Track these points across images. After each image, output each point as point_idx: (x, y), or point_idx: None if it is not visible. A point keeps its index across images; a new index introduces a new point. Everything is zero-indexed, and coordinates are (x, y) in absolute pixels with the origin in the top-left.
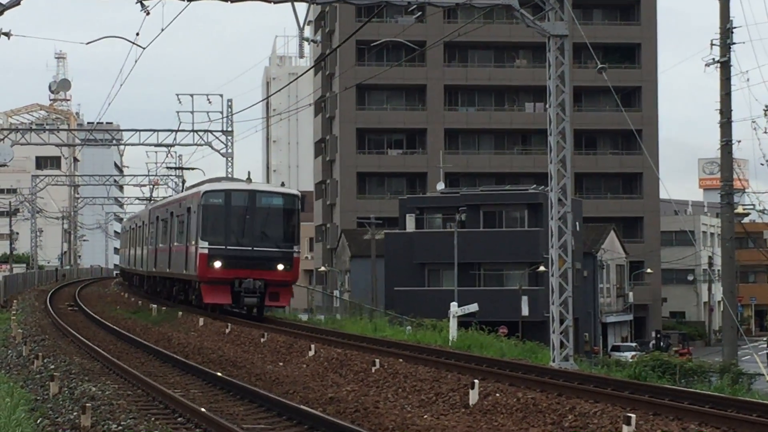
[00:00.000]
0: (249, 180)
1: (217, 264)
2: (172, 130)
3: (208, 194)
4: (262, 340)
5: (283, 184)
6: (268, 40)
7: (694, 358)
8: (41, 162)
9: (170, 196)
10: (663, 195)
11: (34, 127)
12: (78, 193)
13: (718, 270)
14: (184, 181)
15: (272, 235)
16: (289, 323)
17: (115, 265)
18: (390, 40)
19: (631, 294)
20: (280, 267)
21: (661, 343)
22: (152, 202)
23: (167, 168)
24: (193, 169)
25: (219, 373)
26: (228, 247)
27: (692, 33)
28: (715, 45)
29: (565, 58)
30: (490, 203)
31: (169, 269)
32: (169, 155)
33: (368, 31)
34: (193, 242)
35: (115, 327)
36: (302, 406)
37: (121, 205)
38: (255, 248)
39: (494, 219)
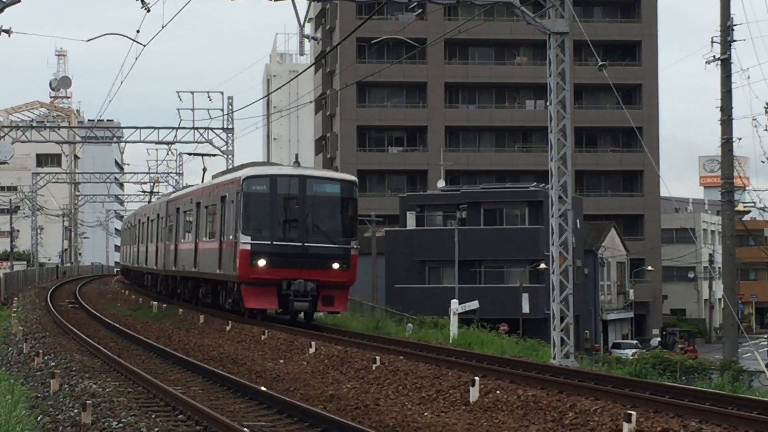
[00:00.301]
0: (297, 164)
1: (262, 262)
2: (172, 128)
3: (251, 180)
4: (262, 337)
5: (337, 169)
6: (269, 37)
7: (698, 355)
8: (42, 159)
9: (189, 186)
10: (663, 192)
11: (34, 124)
12: (78, 191)
13: (719, 267)
14: (204, 170)
15: (326, 228)
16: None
17: (116, 262)
18: (390, 38)
19: (631, 291)
20: (336, 266)
21: (667, 341)
22: (165, 194)
23: (185, 154)
24: (215, 155)
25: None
26: (274, 243)
27: (693, 30)
28: (715, 42)
29: (566, 55)
30: (490, 201)
31: (195, 268)
32: (169, 152)
33: (369, 28)
34: (231, 237)
35: (115, 324)
36: (303, 404)
37: (121, 203)
38: (306, 244)
39: (495, 216)
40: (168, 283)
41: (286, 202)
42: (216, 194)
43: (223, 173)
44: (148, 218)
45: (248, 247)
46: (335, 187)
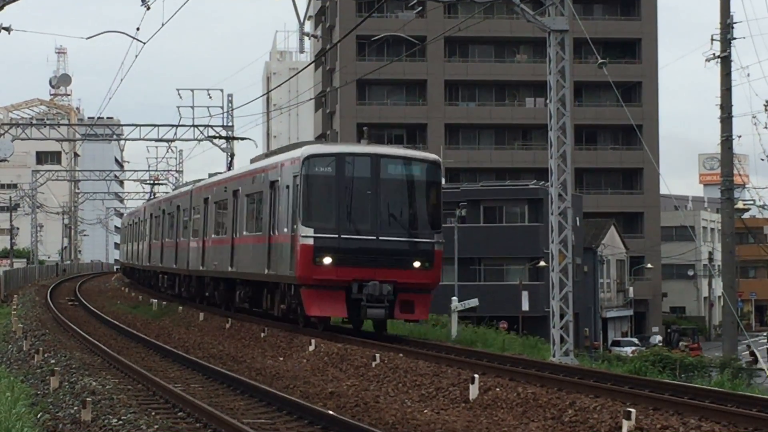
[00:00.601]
0: (367, 140)
1: (327, 260)
2: (172, 125)
3: (314, 160)
4: (262, 335)
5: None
6: (269, 35)
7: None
8: (42, 157)
9: (218, 173)
10: (663, 190)
11: (34, 122)
12: (78, 189)
13: (719, 265)
14: (232, 156)
15: (405, 218)
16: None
17: (116, 260)
18: (390, 35)
19: (631, 289)
20: (417, 264)
21: (671, 338)
22: (184, 183)
23: (208, 139)
24: (243, 138)
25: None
26: (343, 236)
27: (693, 28)
28: (715, 40)
29: (566, 53)
30: (490, 198)
31: (231, 267)
32: (169, 150)
33: (369, 26)
34: (286, 230)
35: (115, 322)
36: (303, 401)
37: (121, 200)
38: (381, 238)
39: (494, 214)
40: (191, 285)
41: (357, 187)
42: (262, 179)
43: (266, 156)
44: (164, 211)
45: (311, 241)
46: (415, 167)
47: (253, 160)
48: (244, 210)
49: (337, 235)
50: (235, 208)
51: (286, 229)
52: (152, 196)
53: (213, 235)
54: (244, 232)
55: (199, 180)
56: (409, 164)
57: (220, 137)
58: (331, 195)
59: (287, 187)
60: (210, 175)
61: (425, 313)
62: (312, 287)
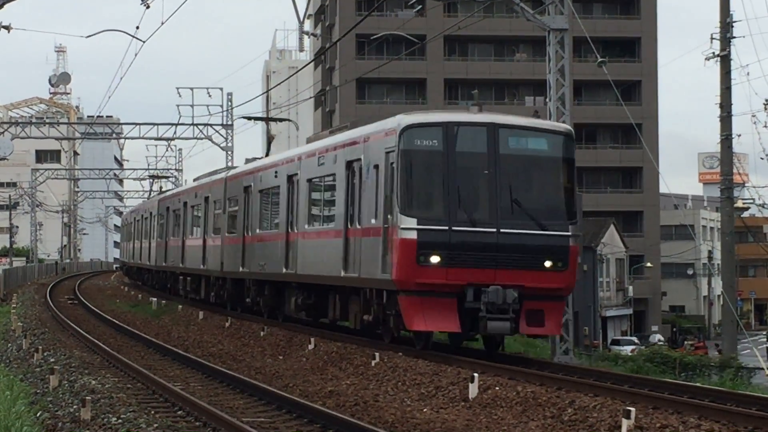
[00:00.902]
0: (478, 105)
1: (435, 259)
2: (172, 124)
3: (414, 132)
4: (261, 333)
5: (536, 113)
6: (268, 33)
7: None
8: (41, 155)
9: (256, 158)
10: (663, 189)
11: (34, 120)
12: (78, 187)
13: (718, 264)
14: (272, 137)
15: (533, 205)
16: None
17: (116, 258)
18: (390, 34)
19: (630, 288)
20: (548, 264)
21: (676, 337)
22: (210, 172)
23: (245, 118)
24: (284, 120)
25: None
26: (454, 229)
27: (692, 27)
28: (715, 39)
29: (565, 52)
30: None
31: (287, 269)
32: (169, 149)
33: (368, 24)
34: (374, 221)
35: (114, 320)
36: (302, 400)
37: (120, 199)
38: (503, 230)
39: None
40: (224, 289)
41: (471, 165)
42: (333, 159)
43: (331, 133)
44: (185, 204)
45: (413, 235)
46: (544, 140)
47: (310, 140)
48: (305, 198)
49: (447, 227)
50: (291, 196)
51: (374, 220)
52: (159, 192)
53: (258, 230)
54: (306, 226)
55: (231, 168)
56: (536, 136)
57: (256, 119)
58: (438, 176)
59: (375, 167)
60: (248, 161)
61: (558, 326)
62: (415, 294)
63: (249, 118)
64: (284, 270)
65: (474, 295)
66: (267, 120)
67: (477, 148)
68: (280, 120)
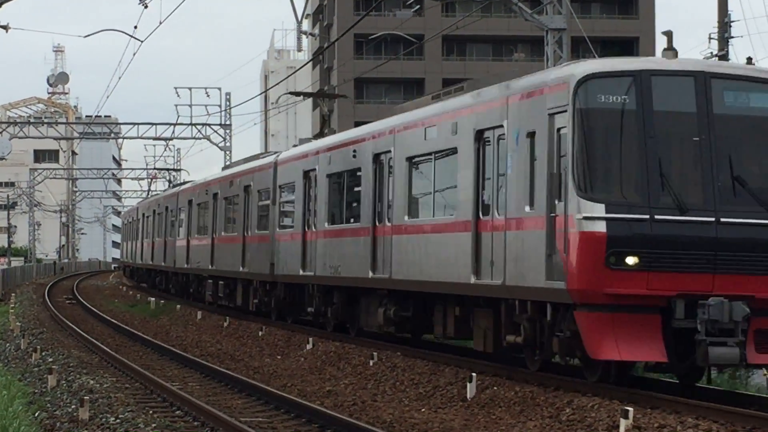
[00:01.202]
0: (672, 49)
1: (632, 260)
2: (170, 124)
3: (594, 84)
4: (260, 333)
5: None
6: (267, 33)
7: None
8: (39, 155)
9: (310, 139)
10: None
11: (32, 120)
12: (76, 187)
13: None
14: (324, 118)
15: (764, 184)
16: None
17: (114, 259)
18: (388, 34)
19: None
20: None
21: None
22: (246, 157)
23: (291, 94)
24: (339, 96)
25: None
26: (656, 218)
27: (690, 27)
28: (713, 39)
29: (563, 51)
30: None
31: (374, 273)
32: (167, 148)
33: (366, 24)
34: (529, 209)
35: (113, 320)
36: (300, 400)
37: (119, 199)
38: (723, 219)
39: None
40: (272, 296)
41: (675, 130)
42: (451, 129)
43: (434, 98)
44: (215, 196)
45: (601, 227)
46: None
47: (405, 108)
48: (403, 181)
49: (647, 216)
50: (379, 180)
51: (528, 208)
52: (169, 187)
53: (327, 225)
54: (406, 218)
55: (271, 153)
56: (764, 90)
57: (310, 94)
58: (631, 145)
59: (529, 135)
60: (301, 141)
61: None
62: (602, 309)
63: (297, 94)
64: (371, 274)
65: (686, 309)
66: (319, 95)
67: (683, 107)
68: (333, 96)
